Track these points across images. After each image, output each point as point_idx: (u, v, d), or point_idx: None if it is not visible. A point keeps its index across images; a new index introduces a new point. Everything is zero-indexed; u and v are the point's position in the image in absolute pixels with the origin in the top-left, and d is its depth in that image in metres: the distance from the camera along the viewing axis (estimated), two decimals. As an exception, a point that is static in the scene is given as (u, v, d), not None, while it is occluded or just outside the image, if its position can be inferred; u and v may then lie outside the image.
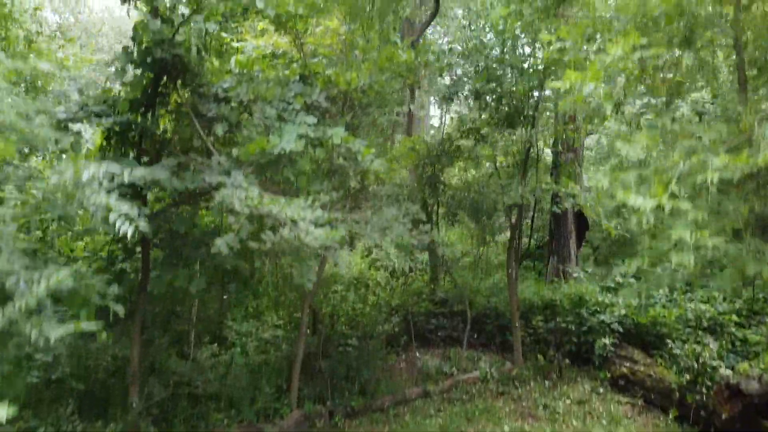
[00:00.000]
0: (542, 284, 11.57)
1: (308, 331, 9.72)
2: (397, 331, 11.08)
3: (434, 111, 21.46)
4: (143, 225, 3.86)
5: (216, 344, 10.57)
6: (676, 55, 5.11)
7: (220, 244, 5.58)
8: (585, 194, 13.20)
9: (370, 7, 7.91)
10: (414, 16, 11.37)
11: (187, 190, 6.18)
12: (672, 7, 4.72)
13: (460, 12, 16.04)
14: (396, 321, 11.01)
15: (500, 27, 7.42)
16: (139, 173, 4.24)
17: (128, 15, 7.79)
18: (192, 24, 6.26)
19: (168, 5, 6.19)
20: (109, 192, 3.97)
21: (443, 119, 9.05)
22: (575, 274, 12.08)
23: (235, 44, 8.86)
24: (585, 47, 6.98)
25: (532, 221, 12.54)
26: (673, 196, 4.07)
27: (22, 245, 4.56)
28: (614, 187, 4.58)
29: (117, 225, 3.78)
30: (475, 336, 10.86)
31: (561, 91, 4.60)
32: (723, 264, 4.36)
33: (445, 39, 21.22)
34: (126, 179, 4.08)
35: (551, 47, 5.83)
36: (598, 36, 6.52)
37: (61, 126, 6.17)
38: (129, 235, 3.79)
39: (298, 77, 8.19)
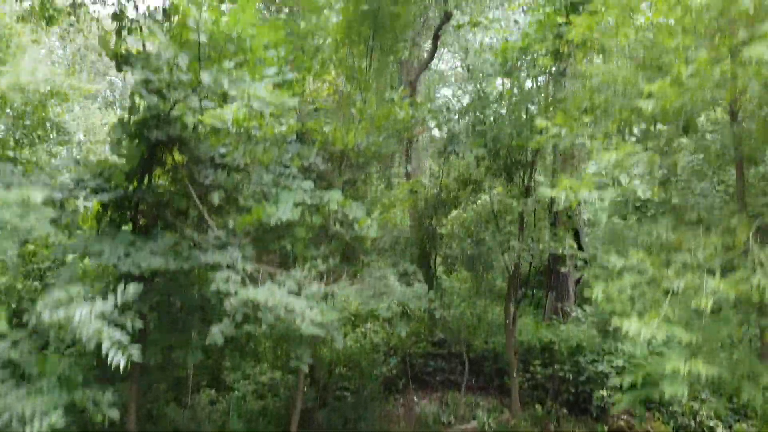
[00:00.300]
0: (540, 326, 11.54)
1: (305, 385, 9.69)
2: (395, 374, 11.08)
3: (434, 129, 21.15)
4: (135, 354, 3.86)
5: (214, 390, 10.58)
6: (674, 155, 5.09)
7: (215, 333, 5.58)
8: (583, 231, 13.20)
9: (366, 66, 7.89)
10: (412, 57, 11.34)
11: (182, 269, 6.18)
12: (669, 109, 4.70)
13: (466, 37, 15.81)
14: (394, 363, 11.01)
15: (497, 95, 7.39)
16: (132, 290, 4.22)
17: (124, 79, 7.81)
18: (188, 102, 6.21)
19: (165, 82, 6.13)
20: (102, 316, 3.96)
21: (441, 172, 9.04)
22: (573, 314, 12.06)
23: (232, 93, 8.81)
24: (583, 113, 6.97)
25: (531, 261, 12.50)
26: (667, 319, 4.06)
27: (15, 355, 4.55)
28: (610, 298, 4.57)
29: (110, 356, 3.78)
30: (473, 380, 10.86)
31: (555, 199, 4.58)
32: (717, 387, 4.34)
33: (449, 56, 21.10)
34: (119, 302, 4.07)
35: (545, 133, 5.82)
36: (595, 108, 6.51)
37: (57, 205, 6.17)
38: (121, 366, 3.78)
39: (295, 136, 8.17)
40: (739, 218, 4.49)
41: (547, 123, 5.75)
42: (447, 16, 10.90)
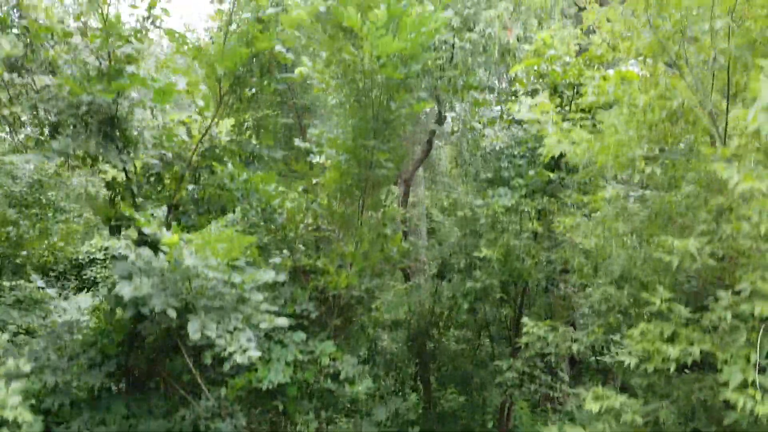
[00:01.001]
0: (534, 422, 11.64)
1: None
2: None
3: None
4: None
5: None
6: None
7: None
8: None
9: (359, 210, 7.94)
10: (407, 158, 11.37)
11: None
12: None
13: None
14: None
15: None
16: None
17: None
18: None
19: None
20: None
21: (434, 295, 9.12)
22: (569, 407, 12.10)
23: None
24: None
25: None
26: None
27: None
28: None
29: None
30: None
31: None
32: None
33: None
34: None
35: (531, 335, 5.88)
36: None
37: (51, 391, 6.27)
38: None
39: (287, 273, 8.22)
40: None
41: (534, 326, 5.80)
42: (441, 120, 10.95)
